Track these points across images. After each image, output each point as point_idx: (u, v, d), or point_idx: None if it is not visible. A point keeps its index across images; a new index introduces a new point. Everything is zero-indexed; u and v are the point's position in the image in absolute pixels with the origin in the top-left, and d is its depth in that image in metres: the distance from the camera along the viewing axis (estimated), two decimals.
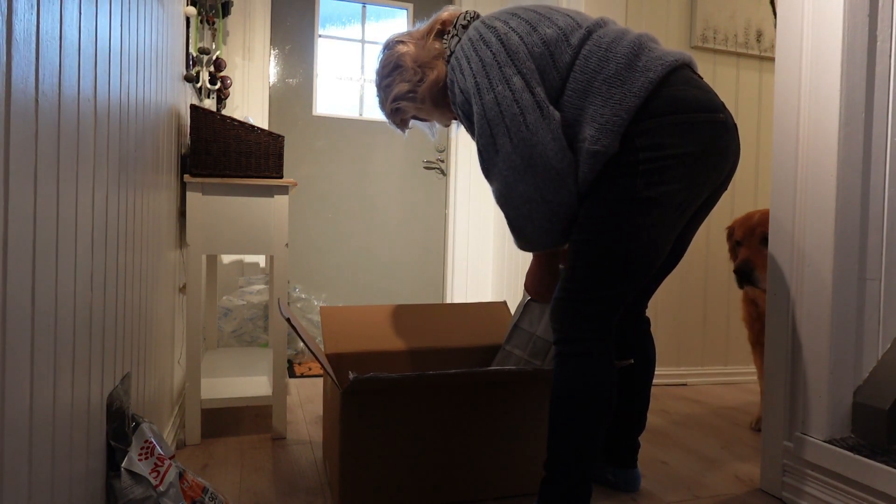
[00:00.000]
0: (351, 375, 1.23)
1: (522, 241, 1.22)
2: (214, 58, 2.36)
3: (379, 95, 1.41)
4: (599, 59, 1.14)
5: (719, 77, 2.60)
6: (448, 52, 1.27)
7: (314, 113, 3.07)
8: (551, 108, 1.13)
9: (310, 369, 2.71)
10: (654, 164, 1.11)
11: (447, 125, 1.46)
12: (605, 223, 1.15)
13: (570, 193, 1.14)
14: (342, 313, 1.74)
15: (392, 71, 1.35)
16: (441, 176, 3.27)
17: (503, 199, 1.17)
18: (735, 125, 1.20)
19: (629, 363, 1.42)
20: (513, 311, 2.22)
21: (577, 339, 1.18)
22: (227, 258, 2.86)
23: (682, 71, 1.16)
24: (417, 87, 1.32)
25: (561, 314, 1.20)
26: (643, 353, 1.45)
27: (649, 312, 2.57)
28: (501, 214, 3.18)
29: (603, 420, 1.18)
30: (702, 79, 1.21)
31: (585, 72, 1.14)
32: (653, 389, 2.49)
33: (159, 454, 1.02)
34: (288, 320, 1.37)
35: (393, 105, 1.37)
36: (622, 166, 1.13)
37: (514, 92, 1.11)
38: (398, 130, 1.46)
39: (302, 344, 1.77)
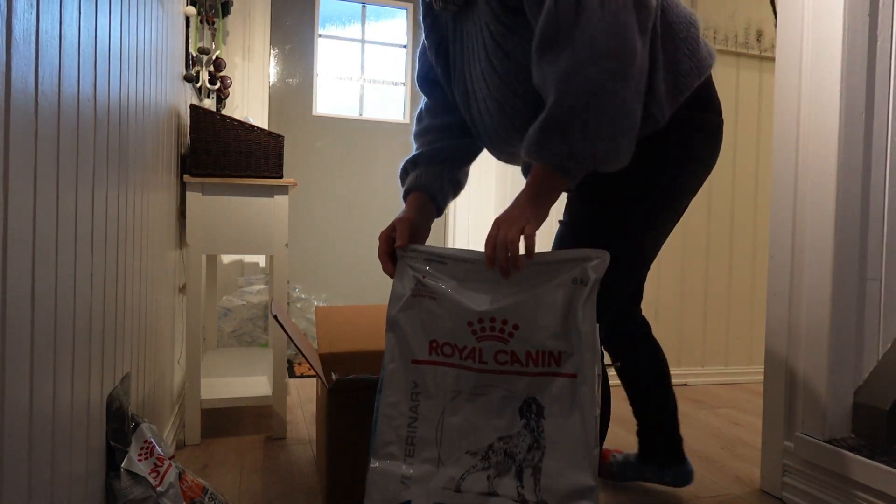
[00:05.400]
0: (334, 376, 1.22)
1: (556, 141, 0.87)
2: (214, 58, 2.36)
3: None
4: (677, 19, 0.99)
5: (719, 77, 2.60)
6: None
7: (314, 113, 3.07)
8: None
9: (310, 369, 2.71)
10: (680, 163, 1.03)
11: None
12: (615, 215, 1.05)
13: (639, 106, 0.89)
14: (337, 313, 1.74)
15: None
16: None
17: (563, 84, 0.86)
18: None
19: (616, 364, 1.41)
20: None
21: None
22: (227, 258, 2.86)
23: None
24: None
25: None
26: (646, 355, 1.39)
27: (650, 313, 2.58)
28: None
29: None
30: None
31: (665, 20, 0.98)
32: None
33: (159, 454, 1.02)
34: (275, 317, 1.37)
35: None
36: (650, 157, 1.00)
37: None
38: None
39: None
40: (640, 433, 1.45)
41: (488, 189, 3.28)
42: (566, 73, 0.86)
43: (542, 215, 0.93)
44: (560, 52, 0.87)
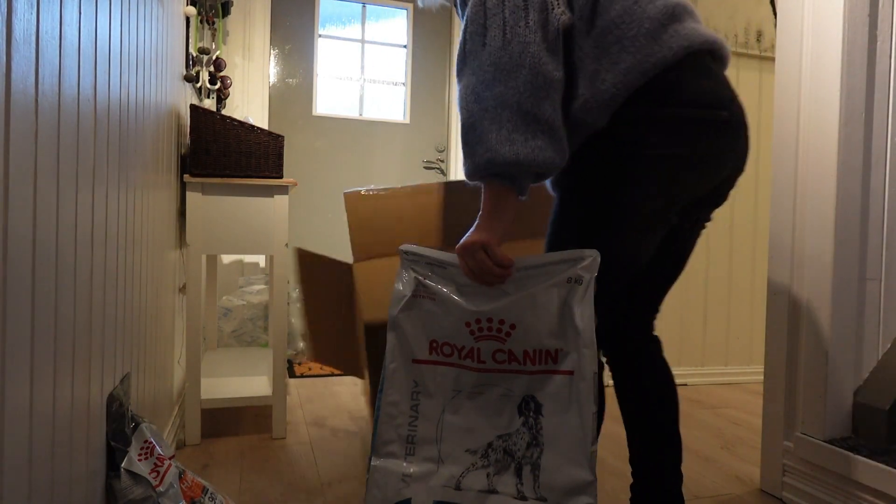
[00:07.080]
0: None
1: (480, 150, 0.92)
2: (214, 58, 2.36)
3: None
4: (623, 11, 0.97)
5: None
6: None
7: (314, 113, 3.07)
8: (559, 10, 0.94)
9: (310, 369, 2.71)
10: (631, 162, 0.97)
11: None
12: (565, 222, 1.02)
13: (555, 110, 0.93)
14: (368, 201, 1.63)
15: None
16: (441, 176, 3.27)
17: (472, 95, 0.94)
18: (744, 122, 1.03)
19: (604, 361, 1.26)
20: None
21: None
22: (227, 258, 2.86)
23: (702, 58, 1.00)
24: None
25: None
26: (650, 374, 1.16)
27: None
28: None
29: None
30: (722, 68, 1.05)
31: (604, 17, 0.97)
32: None
33: (159, 454, 1.02)
34: (298, 250, 1.35)
35: None
36: (596, 157, 0.99)
37: None
38: None
39: (307, 322, 1.73)
40: (634, 487, 1.15)
41: None
42: (471, 87, 0.94)
43: (497, 230, 0.96)
44: (467, 73, 0.96)
